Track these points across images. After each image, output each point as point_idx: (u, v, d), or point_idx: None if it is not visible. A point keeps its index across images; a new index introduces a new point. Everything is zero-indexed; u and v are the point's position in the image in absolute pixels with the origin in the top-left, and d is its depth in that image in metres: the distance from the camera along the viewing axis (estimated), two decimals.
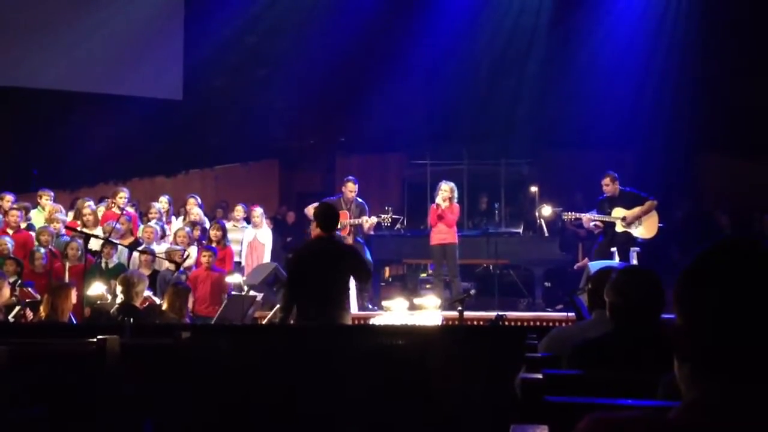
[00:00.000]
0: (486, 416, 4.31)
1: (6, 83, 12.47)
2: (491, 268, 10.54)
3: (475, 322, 7.53)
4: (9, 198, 9.42)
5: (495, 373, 4.39)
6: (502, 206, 12.06)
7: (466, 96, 12.58)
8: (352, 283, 8.35)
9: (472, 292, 7.91)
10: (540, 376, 2.59)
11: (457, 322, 6.67)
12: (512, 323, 7.12)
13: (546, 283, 10.11)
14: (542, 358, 3.17)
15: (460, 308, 6.66)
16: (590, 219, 8.77)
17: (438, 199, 8.89)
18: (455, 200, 9.01)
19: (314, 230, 5.83)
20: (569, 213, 9.13)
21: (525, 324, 7.46)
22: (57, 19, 12.61)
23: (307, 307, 5.47)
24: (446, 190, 8.92)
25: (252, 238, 9.73)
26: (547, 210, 10.25)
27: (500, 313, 6.69)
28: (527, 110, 12.55)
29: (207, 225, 9.47)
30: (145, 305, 6.56)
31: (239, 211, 9.95)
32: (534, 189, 11.75)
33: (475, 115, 12.60)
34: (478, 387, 4.45)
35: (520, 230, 10.91)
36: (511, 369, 3.74)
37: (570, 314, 7.26)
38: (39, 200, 9.70)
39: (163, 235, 9.11)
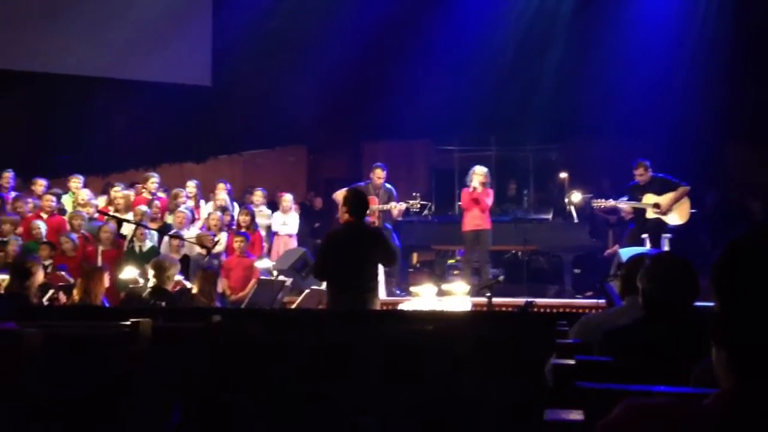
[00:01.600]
0: (515, 402, 4.30)
1: (37, 69, 12.61)
2: (520, 254, 10.49)
3: (504, 309, 7.50)
4: (41, 183, 9.56)
5: (524, 360, 4.37)
6: (531, 192, 11.99)
7: (494, 82, 12.48)
8: (381, 269, 8.43)
9: (501, 278, 7.87)
10: (572, 361, 2.59)
11: (486, 309, 6.65)
12: (542, 310, 7.09)
13: (575, 270, 10.04)
14: (573, 344, 3.16)
15: (489, 294, 6.65)
16: (624, 207, 8.67)
17: (474, 182, 8.84)
18: (488, 185, 8.97)
19: (343, 215, 5.85)
20: (599, 200, 9.04)
21: (554, 311, 7.42)
22: (86, 4, 12.71)
23: (337, 292, 5.51)
24: (481, 173, 8.88)
25: (280, 224, 9.77)
26: (576, 196, 10.17)
27: (529, 299, 6.66)
28: (556, 96, 12.42)
29: (233, 210, 9.53)
30: (176, 289, 6.63)
31: (258, 196, 9.97)
32: (563, 175, 11.65)
33: (503, 100, 12.49)
34: (506, 373, 4.44)
35: (549, 216, 10.83)
36: (541, 355, 3.73)
37: (600, 301, 7.23)
38: (69, 185, 9.82)
39: (193, 220, 9.18)
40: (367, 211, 6.19)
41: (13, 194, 9.51)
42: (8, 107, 12.61)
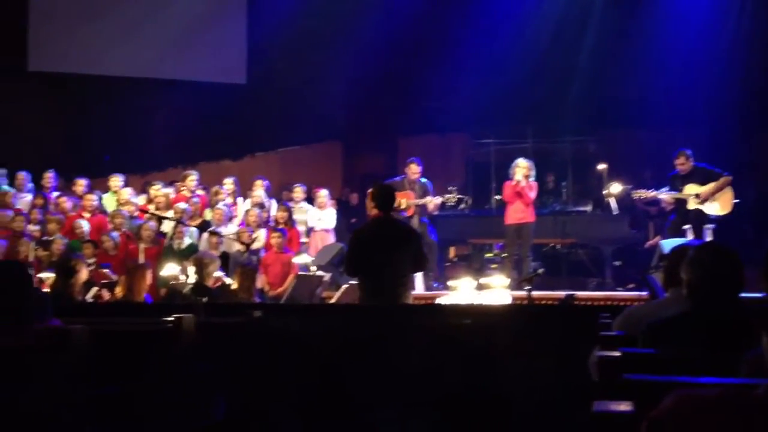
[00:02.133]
0: (556, 395, 4.27)
1: (76, 71, 12.83)
2: (559, 247, 10.40)
3: (544, 302, 7.44)
4: (82, 183, 9.73)
5: (565, 353, 4.34)
6: (570, 184, 11.86)
7: (530, 73, 12.35)
8: None
9: (541, 271, 7.80)
10: (617, 354, 2.56)
11: (525, 302, 6.61)
12: (583, 303, 7.02)
13: (616, 262, 9.92)
14: (617, 336, 3.13)
15: (528, 288, 6.60)
16: (665, 198, 8.53)
17: (518, 176, 8.77)
18: (532, 178, 8.89)
19: (371, 210, 5.85)
20: (639, 191, 8.91)
21: (596, 303, 7.34)
22: (123, 6, 12.90)
23: (368, 287, 5.52)
24: (524, 166, 8.81)
25: (316, 219, 9.82)
26: (616, 187, 10.03)
27: (570, 292, 6.60)
28: (593, 86, 12.25)
29: (269, 207, 9.60)
30: (216, 285, 6.71)
31: (298, 192, 10.03)
32: (602, 166, 11.51)
33: (540, 92, 12.37)
34: (547, 367, 4.41)
35: (589, 208, 10.71)
36: (583, 348, 3.70)
37: (642, 293, 7.14)
38: (109, 184, 9.97)
39: (231, 218, 9.27)
40: (396, 205, 6.14)
41: (55, 194, 9.69)
42: (50, 108, 12.85)
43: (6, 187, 9.87)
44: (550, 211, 10.29)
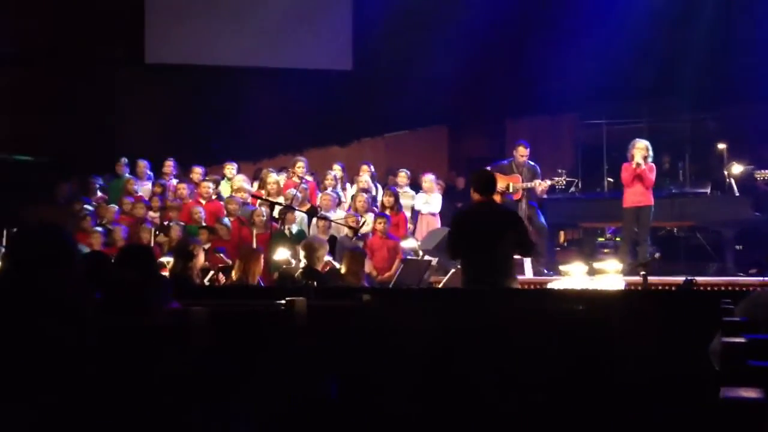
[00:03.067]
0: (676, 382, 4.11)
1: (190, 61, 13.30)
2: (675, 230, 10.01)
3: (660, 287, 7.18)
4: (198, 170, 10.08)
5: (685, 340, 4.17)
6: (687, 165, 11.37)
7: (644, 48, 11.86)
8: None
9: (657, 255, 7.52)
10: (742, 340, 2.45)
11: (640, 288, 6.39)
12: (702, 288, 6.72)
13: (737, 246, 9.43)
14: (741, 322, 2.98)
15: (644, 273, 6.37)
16: None
17: (638, 158, 8.46)
18: (650, 159, 8.56)
19: (473, 195, 5.79)
20: (762, 171, 8.44)
21: (717, 288, 7.01)
22: None
23: (468, 272, 5.48)
24: (642, 147, 8.49)
25: (422, 203, 9.82)
26: (737, 168, 9.53)
27: (689, 277, 6.33)
28: (710, 60, 11.65)
29: (374, 192, 9.67)
30: (326, 269, 6.81)
31: (403, 177, 10.05)
32: (721, 146, 10.97)
33: (655, 68, 11.87)
34: (666, 354, 4.25)
35: (707, 190, 10.21)
36: (703, 334, 3.54)
37: (766, 278, 6.78)
38: (224, 172, 10.30)
39: (339, 202, 9.39)
40: (503, 188, 6.04)
41: (174, 181, 10.09)
42: (167, 98, 13.38)
43: (128, 176, 10.37)
44: (667, 194, 9.89)
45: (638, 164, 8.41)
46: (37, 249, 2.39)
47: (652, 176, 8.53)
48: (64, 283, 2.38)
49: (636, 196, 8.52)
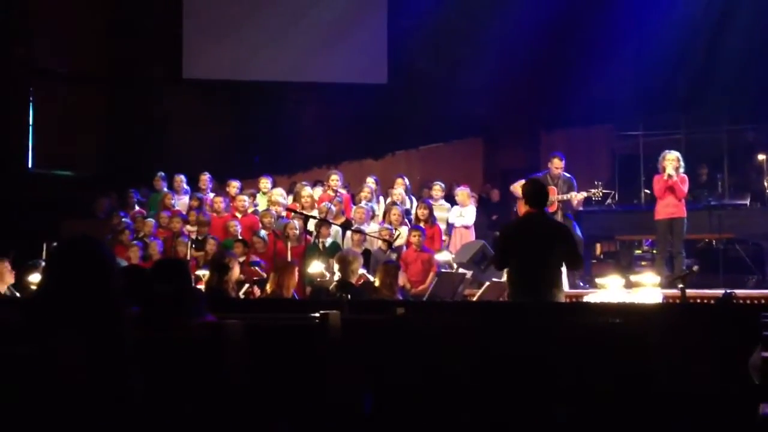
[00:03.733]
0: (715, 397, 4.03)
1: (226, 77, 13.48)
2: (714, 243, 9.84)
3: (698, 301, 7.06)
4: (235, 184, 10.18)
5: (723, 354, 4.10)
6: (725, 176, 11.19)
7: (681, 59, 11.74)
8: None
9: (695, 268, 7.40)
10: None
11: (678, 301, 6.29)
12: (742, 301, 6.60)
13: None
14: None
15: (681, 286, 6.28)
16: None
17: (669, 169, 8.38)
18: (682, 170, 8.47)
19: (521, 207, 5.75)
20: None
21: (756, 302, 6.88)
22: (268, 12, 13.42)
23: (519, 284, 5.42)
24: (673, 158, 8.41)
25: (456, 216, 9.79)
26: None
27: (728, 290, 6.21)
28: (749, 71, 11.48)
29: (408, 205, 9.66)
30: (360, 282, 6.82)
31: (437, 189, 10.04)
32: (761, 157, 10.78)
33: (692, 78, 11.72)
34: (705, 369, 4.18)
35: (747, 202, 10.03)
36: (741, 349, 3.47)
37: None
38: (259, 186, 10.39)
39: (373, 215, 9.40)
40: (548, 200, 6.01)
41: (211, 195, 10.20)
42: (203, 113, 13.57)
43: (165, 190, 10.51)
44: (705, 206, 9.74)
45: (670, 176, 8.32)
46: (76, 262, 2.43)
47: (685, 187, 8.44)
48: (103, 297, 2.41)
49: (669, 207, 8.43)
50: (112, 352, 2.33)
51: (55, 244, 2.34)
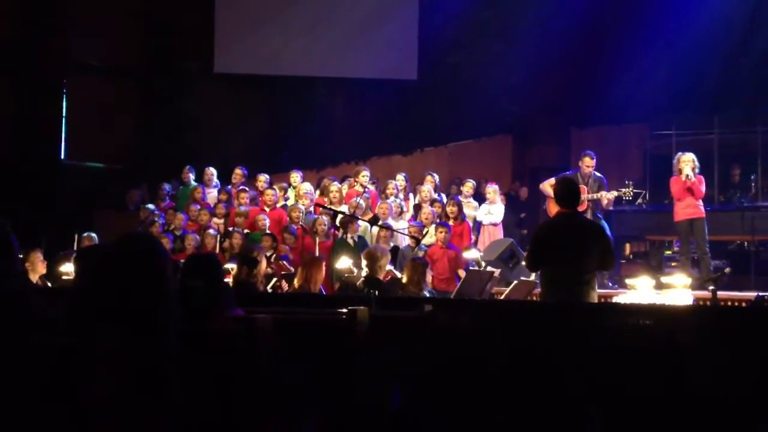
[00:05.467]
0: (747, 400, 3.98)
1: (257, 72, 13.55)
2: (746, 245, 9.71)
3: (730, 303, 6.96)
4: (263, 178, 10.21)
5: (755, 357, 4.05)
6: (759, 177, 11.02)
7: (715, 58, 11.58)
8: None
9: (727, 270, 7.31)
10: None
11: (709, 303, 6.21)
12: None
13: None
14: None
15: (712, 287, 6.20)
16: None
17: (686, 170, 8.34)
18: (698, 170, 8.45)
19: (551, 206, 5.71)
20: None
21: None
22: (300, 8, 13.47)
23: (552, 284, 5.39)
24: (689, 160, 8.38)
25: (485, 214, 9.75)
26: None
27: (761, 293, 6.12)
28: None
29: (438, 201, 9.63)
30: (387, 278, 6.81)
31: (468, 186, 10.02)
32: None
33: (726, 78, 11.57)
34: (734, 371, 4.12)
35: None
36: None
37: None
38: (289, 180, 10.42)
39: (401, 212, 9.39)
40: (580, 199, 5.95)
41: (239, 189, 10.25)
42: (234, 108, 13.66)
43: (195, 183, 10.58)
44: (737, 207, 9.61)
45: (688, 176, 8.28)
46: (136, 260, 2.43)
47: (703, 188, 8.43)
48: (158, 296, 2.42)
49: (688, 209, 8.40)
50: (157, 351, 2.35)
51: (115, 241, 2.34)
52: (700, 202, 8.45)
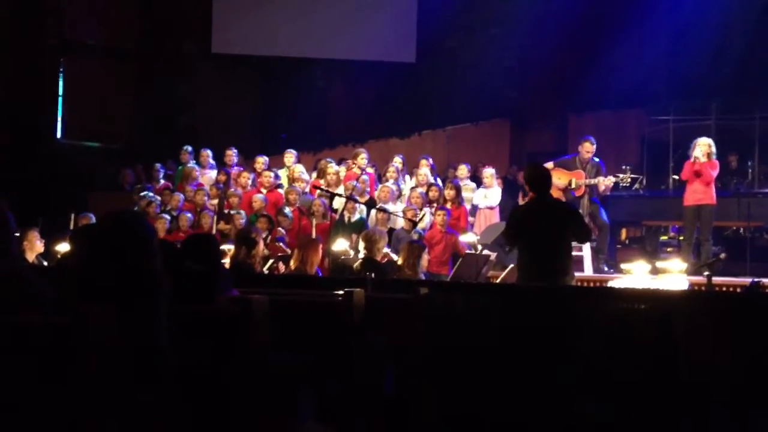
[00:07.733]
0: (740, 387, 4.01)
1: (255, 52, 13.50)
2: (742, 231, 9.73)
3: (725, 289, 6.99)
4: (262, 160, 10.19)
5: (749, 342, 4.07)
6: (756, 164, 11.04)
7: (714, 45, 11.55)
8: (587, 246, 8.16)
9: (723, 256, 7.32)
10: None
11: (704, 288, 6.24)
12: None
13: None
14: None
15: (708, 273, 6.22)
16: None
17: (697, 152, 8.27)
18: (714, 157, 8.35)
19: (529, 191, 5.75)
20: None
21: None
22: None
23: (524, 269, 5.46)
24: (706, 144, 8.29)
25: (481, 197, 9.76)
26: None
27: (755, 279, 6.15)
28: None
29: (435, 185, 9.63)
30: (383, 261, 6.83)
31: (463, 170, 10.01)
32: None
33: (724, 65, 11.55)
34: (728, 356, 4.15)
35: None
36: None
37: None
38: (284, 160, 10.40)
39: (399, 195, 9.38)
40: (550, 185, 5.94)
41: (236, 170, 10.24)
42: (231, 89, 13.61)
43: (192, 164, 10.56)
44: (734, 193, 9.62)
45: (696, 158, 8.19)
46: (121, 236, 2.43)
47: (714, 173, 8.30)
48: (145, 273, 2.42)
49: (697, 194, 8.30)
50: (147, 327, 2.35)
51: (102, 217, 2.32)
52: (711, 188, 8.37)
